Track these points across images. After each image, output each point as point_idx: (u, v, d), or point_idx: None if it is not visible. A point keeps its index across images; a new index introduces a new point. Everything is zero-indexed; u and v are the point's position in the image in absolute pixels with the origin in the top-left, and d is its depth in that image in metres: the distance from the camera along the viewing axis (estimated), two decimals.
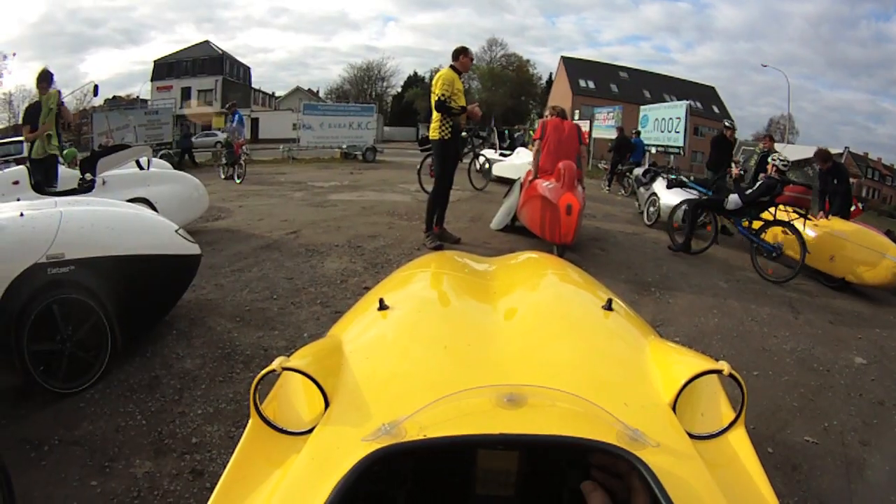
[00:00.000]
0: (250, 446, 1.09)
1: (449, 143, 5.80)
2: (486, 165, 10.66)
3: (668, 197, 8.08)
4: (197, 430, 2.67)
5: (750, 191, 6.39)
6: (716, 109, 37.70)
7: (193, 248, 3.82)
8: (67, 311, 2.93)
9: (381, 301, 1.48)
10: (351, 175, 13.60)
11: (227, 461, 1.06)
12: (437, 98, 5.66)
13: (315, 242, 6.07)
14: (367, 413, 1.06)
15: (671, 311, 4.72)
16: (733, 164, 8.94)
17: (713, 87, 39.81)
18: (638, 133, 15.28)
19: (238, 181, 11.42)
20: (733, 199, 6.44)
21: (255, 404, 1.10)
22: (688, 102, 15.02)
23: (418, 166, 9.75)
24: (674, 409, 1.10)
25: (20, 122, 6.78)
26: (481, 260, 2.44)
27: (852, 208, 7.33)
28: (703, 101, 35.95)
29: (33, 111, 6.00)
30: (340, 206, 8.50)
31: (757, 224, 6.43)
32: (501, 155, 11.61)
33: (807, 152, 8.25)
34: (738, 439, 1.10)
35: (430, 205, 6.06)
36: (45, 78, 5.98)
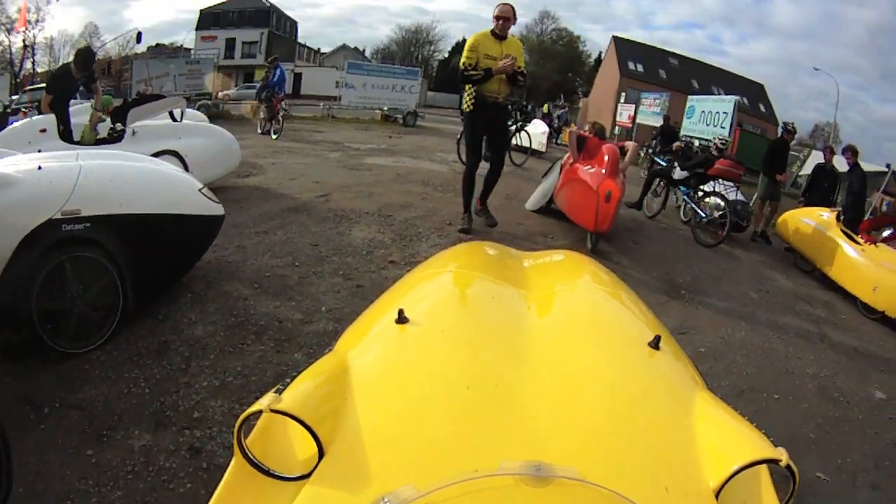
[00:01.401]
0: (233, 488, 0.97)
1: (474, 115, 5.24)
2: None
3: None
4: (200, 403, 2.57)
5: (689, 162, 7.67)
6: (762, 108, 35.80)
7: (216, 209, 3.67)
8: (80, 270, 2.85)
9: (400, 312, 1.33)
10: (389, 139, 13.34)
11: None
12: (460, 69, 5.12)
13: (345, 208, 5.89)
14: (366, 475, 0.92)
15: (699, 319, 4.54)
16: (678, 140, 10.37)
17: (762, 85, 37.49)
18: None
19: (274, 137, 11.25)
20: (678, 170, 7.74)
21: (241, 443, 0.98)
22: (736, 98, 14.52)
23: (458, 136, 9.50)
24: (716, 496, 0.94)
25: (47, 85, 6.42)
26: (515, 255, 2.25)
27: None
28: (751, 97, 34.02)
29: (58, 81, 5.65)
30: (375, 171, 8.28)
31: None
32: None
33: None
34: None
35: (462, 183, 5.63)
36: (83, 61, 5.59)
